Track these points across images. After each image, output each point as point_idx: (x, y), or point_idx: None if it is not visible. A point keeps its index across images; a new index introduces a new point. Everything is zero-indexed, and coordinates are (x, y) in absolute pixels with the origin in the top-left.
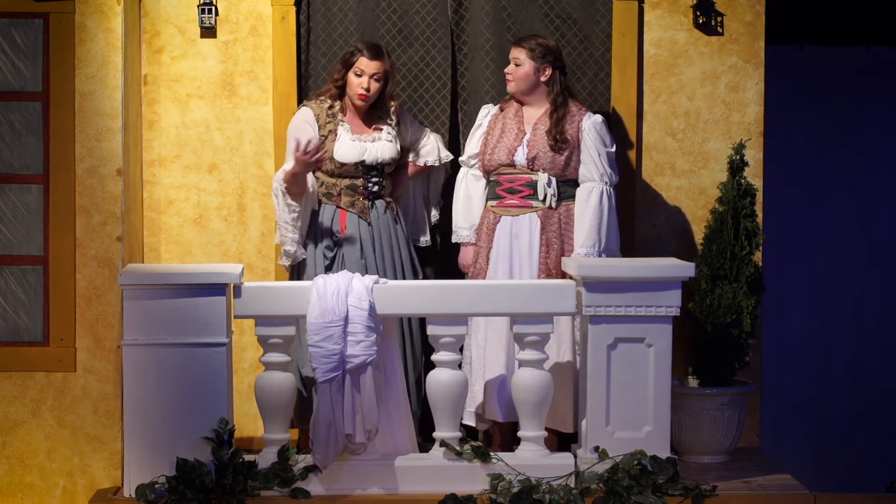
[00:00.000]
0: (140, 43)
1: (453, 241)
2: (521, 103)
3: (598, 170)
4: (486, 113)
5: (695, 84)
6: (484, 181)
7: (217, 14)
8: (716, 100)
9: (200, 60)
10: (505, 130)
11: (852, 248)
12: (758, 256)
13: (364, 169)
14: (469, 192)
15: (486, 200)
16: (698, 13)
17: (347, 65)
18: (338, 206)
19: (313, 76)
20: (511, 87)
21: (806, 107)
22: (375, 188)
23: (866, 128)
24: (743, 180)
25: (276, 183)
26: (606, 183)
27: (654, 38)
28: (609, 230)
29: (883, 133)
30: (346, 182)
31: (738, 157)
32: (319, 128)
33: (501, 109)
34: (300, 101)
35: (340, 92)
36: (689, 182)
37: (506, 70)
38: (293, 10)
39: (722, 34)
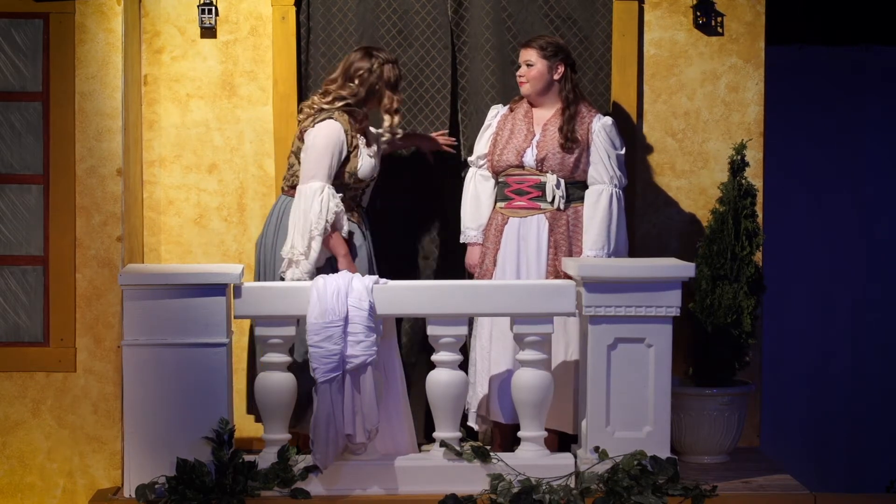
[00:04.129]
0: (140, 43)
1: (461, 241)
2: (533, 105)
3: (607, 172)
4: (496, 113)
5: (695, 84)
6: (492, 182)
7: (217, 14)
8: (716, 100)
9: (200, 60)
10: (514, 131)
11: (852, 248)
12: (758, 257)
13: (369, 182)
14: (477, 192)
15: (495, 201)
16: (698, 13)
17: (394, 83)
18: None
19: (313, 76)
20: (526, 90)
21: (806, 107)
22: (366, 198)
23: (866, 128)
24: (744, 181)
25: (325, 221)
26: (616, 185)
27: (654, 38)
28: (618, 233)
29: (883, 133)
30: (351, 193)
31: (738, 157)
32: (347, 143)
33: (511, 110)
34: (300, 101)
35: (357, 105)
36: (689, 182)
37: (518, 73)
38: (293, 10)
39: (722, 34)
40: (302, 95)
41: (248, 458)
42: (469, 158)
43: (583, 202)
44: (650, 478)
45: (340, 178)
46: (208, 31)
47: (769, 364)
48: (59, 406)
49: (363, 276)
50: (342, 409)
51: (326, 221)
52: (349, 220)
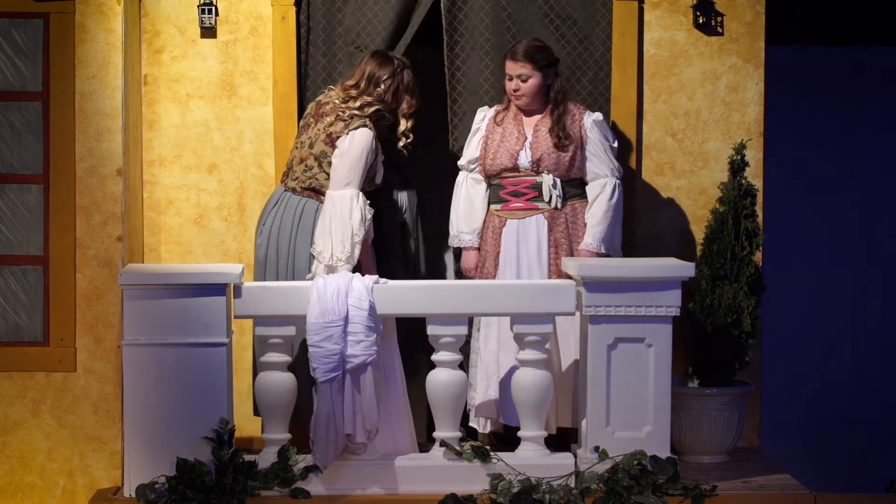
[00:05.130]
0: (140, 43)
1: (455, 245)
2: (523, 111)
3: (607, 165)
4: (483, 117)
5: (695, 84)
6: (484, 185)
7: (217, 14)
8: (716, 100)
9: (200, 60)
10: (505, 134)
11: (852, 248)
12: (758, 257)
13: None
14: (470, 196)
15: (489, 204)
16: (698, 13)
17: (413, 88)
18: None
19: (313, 76)
20: (522, 103)
21: (806, 107)
22: None
23: (866, 128)
24: (744, 180)
25: (364, 226)
26: (617, 177)
27: (654, 38)
28: (619, 224)
29: (883, 133)
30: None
31: (738, 157)
32: (375, 152)
33: (498, 113)
34: (300, 101)
35: (385, 109)
36: (689, 182)
37: (512, 88)
38: (293, 10)
39: (722, 34)
40: (302, 95)
41: (248, 458)
42: (459, 163)
43: (580, 199)
44: (650, 478)
45: (363, 188)
46: (208, 31)
47: (769, 364)
48: (59, 406)
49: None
50: (342, 409)
51: (364, 227)
52: None
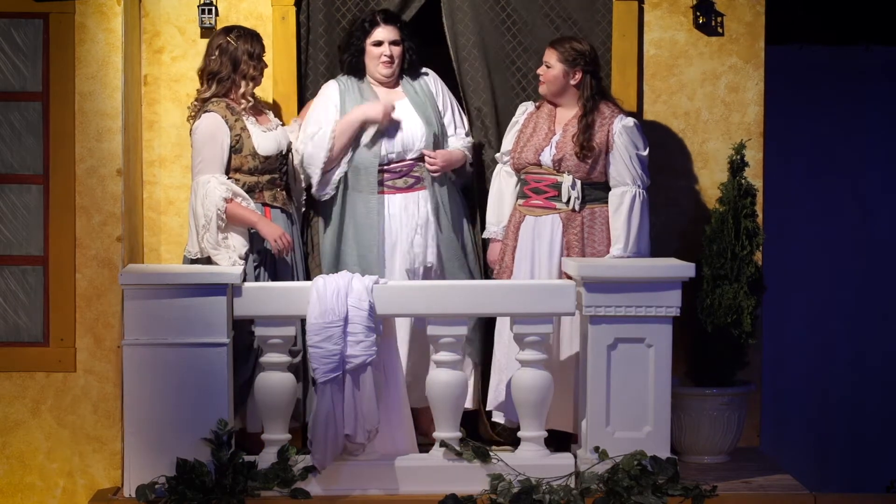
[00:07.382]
0: (140, 43)
1: (483, 236)
2: (553, 104)
3: (629, 173)
4: (524, 110)
5: (695, 84)
6: (516, 178)
7: (217, 14)
8: (716, 100)
9: (200, 60)
10: (536, 129)
11: (852, 247)
12: (758, 256)
13: (281, 159)
14: (501, 188)
15: (517, 198)
16: (698, 13)
17: (251, 51)
18: (263, 204)
19: (313, 76)
20: (542, 90)
21: (806, 107)
22: (286, 177)
23: (866, 128)
24: (743, 180)
25: (214, 209)
26: (639, 186)
27: (654, 39)
28: (640, 234)
29: (883, 133)
30: (267, 177)
31: (738, 157)
32: (230, 128)
33: (538, 108)
34: (300, 101)
35: (229, 88)
36: (689, 182)
37: (538, 71)
38: (293, 10)
39: (722, 34)
40: (302, 95)
41: (247, 458)
42: (496, 154)
43: (600, 204)
44: (650, 478)
45: (247, 165)
46: (208, 32)
47: (769, 364)
48: (59, 406)
49: (286, 263)
50: (342, 410)
51: (218, 209)
52: (273, 205)
